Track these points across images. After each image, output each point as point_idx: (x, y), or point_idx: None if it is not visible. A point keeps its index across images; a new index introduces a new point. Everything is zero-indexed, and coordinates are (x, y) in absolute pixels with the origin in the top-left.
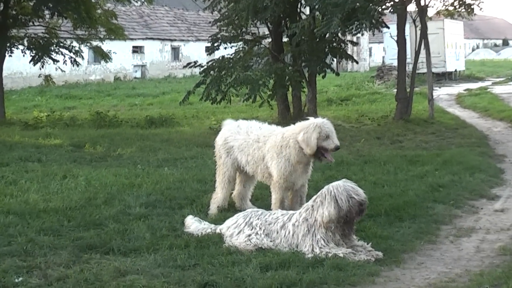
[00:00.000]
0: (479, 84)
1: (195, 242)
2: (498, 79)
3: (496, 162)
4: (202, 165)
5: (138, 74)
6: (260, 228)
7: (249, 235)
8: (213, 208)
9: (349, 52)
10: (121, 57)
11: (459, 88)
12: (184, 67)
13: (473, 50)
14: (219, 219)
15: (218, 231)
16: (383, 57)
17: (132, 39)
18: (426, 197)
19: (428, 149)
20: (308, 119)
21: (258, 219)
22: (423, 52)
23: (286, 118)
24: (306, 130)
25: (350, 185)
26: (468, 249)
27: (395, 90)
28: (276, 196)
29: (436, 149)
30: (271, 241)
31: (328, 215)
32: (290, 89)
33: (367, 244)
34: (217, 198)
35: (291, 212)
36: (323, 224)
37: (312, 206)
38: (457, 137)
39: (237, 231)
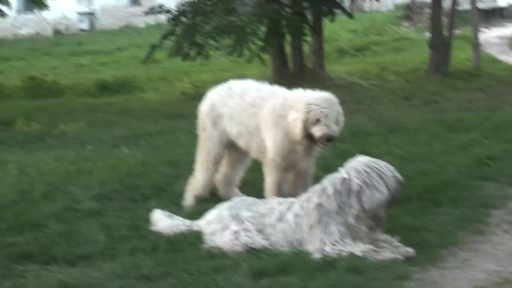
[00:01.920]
0: None
1: (165, 244)
2: None
3: None
4: (173, 142)
5: (85, 25)
6: (251, 222)
7: (237, 232)
8: (189, 198)
9: None
10: (62, 3)
11: None
12: (147, 13)
13: None
14: (197, 213)
15: (195, 228)
16: None
17: None
18: (472, 174)
19: (473, 111)
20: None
21: (247, 210)
22: None
23: (283, 76)
24: (297, 109)
25: (381, 162)
26: None
27: (429, 34)
28: (271, 179)
29: (484, 111)
30: (265, 238)
31: (381, 198)
32: (289, 38)
33: (394, 238)
34: (196, 184)
35: (290, 199)
36: (371, 212)
37: (336, 189)
38: None
39: (221, 227)
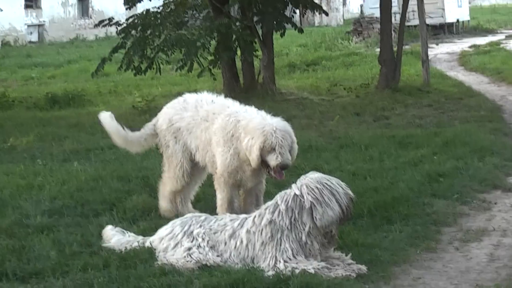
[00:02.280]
0: (489, 39)
1: (117, 260)
2: None
3: None
4: (123, 157)
5: (34, 37)
6: (203, 239)
7: (189, 249)
8: (162, 203)
9: (315, 0)
10: (10, 15)
11: (463, 44)
12: (96, 25)
13: None
14: (149, 229)
15: (148, 244)
16: (361, 5)
17: None
18: (423, 191)
19: (423, 127)
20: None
21: (200, 227)
22: None
23: (234, 90)
24: (252, 136)
25: (333, 178)
26: (479, 257)
27: (378, 49)
28: (221, 195)
29: (434, 127)
30: (218, 255)
31: (333, 215)
32: (239, 52)
33: (346, 255)
34: (165, 191)
35: (243, 216)
36: (323, 229)
37: (288, 205)
38: (462, 110)
39: (173, 244)
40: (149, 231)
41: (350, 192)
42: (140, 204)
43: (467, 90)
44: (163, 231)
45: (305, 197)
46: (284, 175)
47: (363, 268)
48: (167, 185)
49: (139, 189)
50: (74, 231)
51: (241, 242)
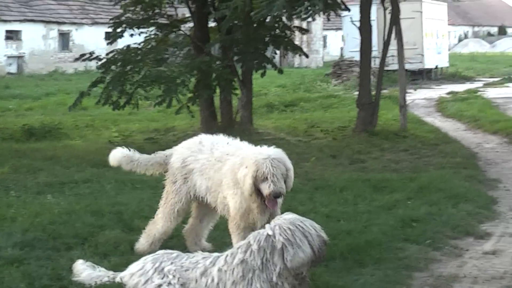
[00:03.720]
0: (467, 86)
1: None
2: (491, 79)
3: (487, 189)
4: (98, 191)
5: (13, 69)
6: (174, 276)
7: (160, 286)
8: (144, 242)
9: (296, 42)
10: None
11: (441, 90)
12: (76, 59)
13: (460, 40)
14: (120, 265)
15: (118, 280)
16: (342, 48)
17: (5, 21)
18: (395, 235)
19: (399, 172)
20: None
21: (171, 264)
22: (394, 43)
23: (212, 129)
24: (246, 166)
25: (307, 220)
26: None
27: (357, 93)
28: (236, 239)
29: (409, 172)
30: None
31: (303, 257)
32: (218, 90)
33: None
34: (154, 231)
35: (215, 254)
36: (293, 270)
37: (260, 245)
38: (437, 156)
39: (144, 280)
40: (120, 267)
41: (323, 234)
42: (112, 239)
43: (443, 137)
44: (134, 267)
45: (277, 237)
46: (277, 204)
47: None
48: (158, 224)
49: (112, 224)
50: (45, 264)
51: (212, 280)
